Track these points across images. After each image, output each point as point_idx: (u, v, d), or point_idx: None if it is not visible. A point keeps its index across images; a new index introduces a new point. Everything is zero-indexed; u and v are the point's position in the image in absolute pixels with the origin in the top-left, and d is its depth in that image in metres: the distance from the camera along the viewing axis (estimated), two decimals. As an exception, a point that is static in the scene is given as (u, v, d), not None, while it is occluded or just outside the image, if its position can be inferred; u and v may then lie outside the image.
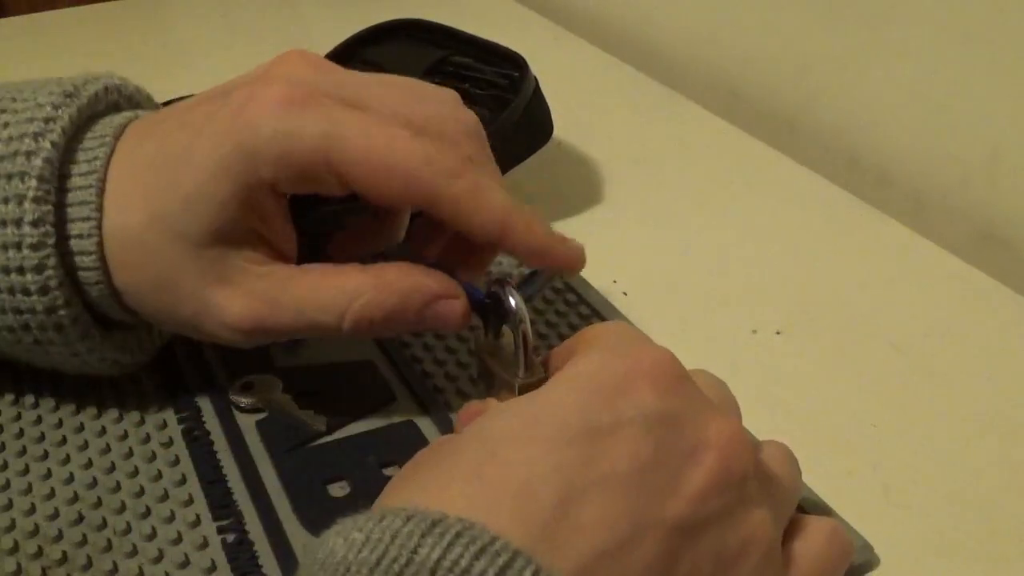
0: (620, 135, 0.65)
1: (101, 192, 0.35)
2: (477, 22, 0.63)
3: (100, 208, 0.35)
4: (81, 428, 0.39)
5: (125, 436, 0.38)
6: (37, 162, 0.35)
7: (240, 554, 0.34)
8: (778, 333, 0.47)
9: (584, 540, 0.25)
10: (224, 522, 0.35)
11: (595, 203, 0.57)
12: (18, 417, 0.39)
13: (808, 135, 0.69)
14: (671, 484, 0.26)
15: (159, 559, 0.33)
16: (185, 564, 0.33)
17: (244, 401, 0.40)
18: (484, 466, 0.26)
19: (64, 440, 0.38)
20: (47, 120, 0.36)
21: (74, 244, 0.35)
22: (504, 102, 0.55)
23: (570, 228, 0.54)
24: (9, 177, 0.35)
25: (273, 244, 0.36)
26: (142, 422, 0.39)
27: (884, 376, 0.44)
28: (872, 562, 0.35)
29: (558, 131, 0.57)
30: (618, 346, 0.30)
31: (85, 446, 0.38)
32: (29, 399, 0.40)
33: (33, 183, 0.34)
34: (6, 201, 0.34)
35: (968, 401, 0.43)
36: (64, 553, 0.33)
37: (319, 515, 0.35)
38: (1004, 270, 0.52)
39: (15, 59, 0.77)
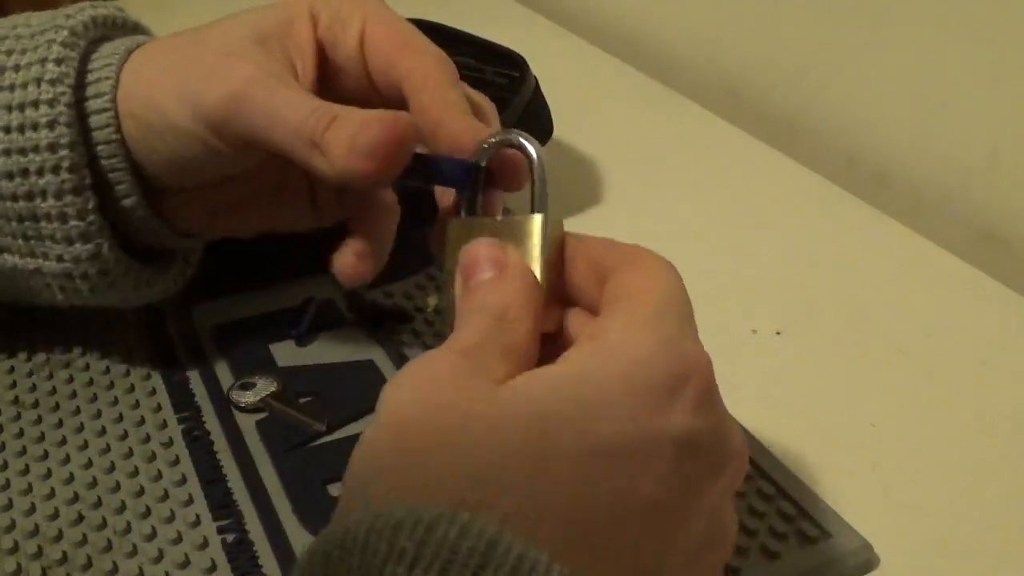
0: (620, 135, 0.65)
1: (130, 51, 0.37)
2: (477, 22, 0.63)
3: (125, 59, 0.37)
4: (81, 428, 0.39)
5: (125, 436, 0.38)
6: (73, 21, 0.36)
7: (240, 554, 0.34)
8: (778, 333, 0.47)
9: (618, 568, 0.24)
10: (224, 522, 0.35)
11: (595, 203, 0.57)
12: (18, 417, 0.39)
13: (808, 135, 0.69)
14: (689, 504, 0.26)
15: (159, 559, 0.33)
16: (185, 564, 0.33)
17: (244, 401, 0.40)
18: (536, 477, 0.24)
19: (64, 440, 0.38)
20: (79, 10, 0.37)
21: (90, 90, 0.36)
22: (504, 102, 0.55)
23: (570, 228, 0.54)
24: (36, 47, 0.36)
25: (302, 71, 0.36)
26: (142, 422, 0.39)
27: (884, 376, 0.44)
28: (872, 562, 0.35)
29: (558, 131, 0.57)
30: (672, 324, 0.28)
31: (85, 446, 0.38)
32: (29, 399, 0.40)
33: (65, 34, 0.36)
34: (33, 47, 0.36)
35: (968, 401, 0.43)
36: (64, 553, 0.33)
37: (319, 515, 0.35)
38: (1004, 270, 0.52)
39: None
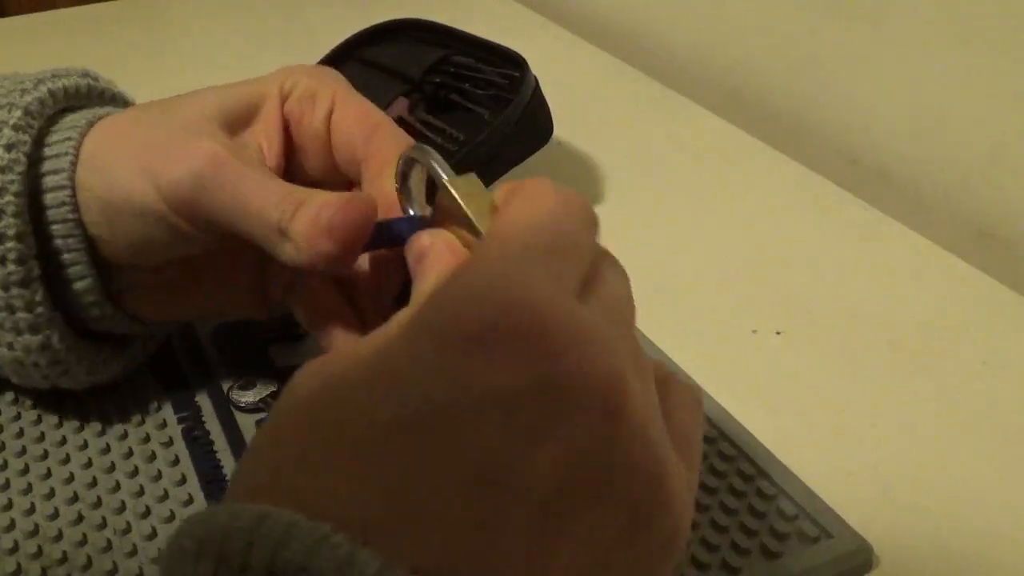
0: (620, 135, 0.65)
1: (91, 123, 0.35)
2: (477, 22, 0.63)
3: (85, 134, 0.35)
4: (81, 428, 0.39)
5: (125, 436, 0.38)
6: (28, 98, 0.35)
7: (240, 554, 0.33)
8: (778, 333, 0.47)
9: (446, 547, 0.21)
10: (224, 522, 0.35)
11: (595, 203, 0.57)
12: (18, 417, 0.39)
13: (808, 135, 0.69)
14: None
15: (159, 559, 0.33)
16: (185, 564, 0.33)
17: (244, 401, 0.40)
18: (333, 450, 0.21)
19: (64, 440, 0.38)
20: (36, 83, 0.36)
21: (47, 165, 0.35)
22: (504, 102, 0.55)
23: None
24: None
25: (268, 152, 0.36)
26: (142, 422, 0.39)
27: (884, 376, 0.44)
28: (872, 562, 0.35)
29: (558, 131, 0.57)
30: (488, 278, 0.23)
31: (85, 446, 0.38)
32: (29, 399, 0.40)
33: (18, 113, 0.34)
34: None
35: (968, 401, 0.43)
36: (64, 553, 0.33)
37: (319, 515, 0.35)
38: (1004, 269, 0.52)
39: (15, 59, 0.77)
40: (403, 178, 0.33)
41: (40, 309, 0.35)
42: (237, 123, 0.35)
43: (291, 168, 0.37)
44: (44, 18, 0.88)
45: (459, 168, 0.31)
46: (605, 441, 0.22)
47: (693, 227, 0.55)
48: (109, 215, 0.35)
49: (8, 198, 0.33)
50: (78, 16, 0.88)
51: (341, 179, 0.37)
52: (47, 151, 0.35)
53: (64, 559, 0.33)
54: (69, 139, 0.35)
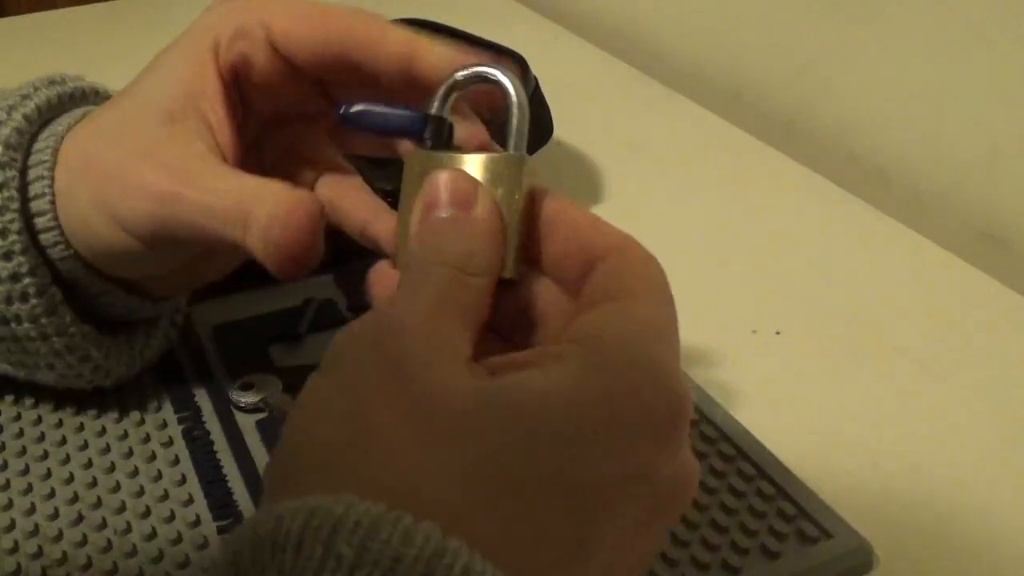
0: (620, 135, 0.65)
1: (56, 151, 0.35)
2: (477, 22, 0.63)
3: (53, 167, 0.35)
4: (81, 428, 0.39)
5: (125, 436, 0.38)
6: (5, 131, 0.35)
7: (240, 554, 0.34)
8: (778, 333, 0.47)
9: None
10: (224, 522, 0.35)
11: (595, 203, 0.57)
12: (18, 417, 0.39)
13: (808, 135, 0.69)
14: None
15: (159, 559, 0.33)
16: (185, 564, 0.33)
17: (244, 401, 0.40)
18: (501, 500, 0.23)
19: (64, 440, 0.38)
20: (24, 96, 0.36)
21: (33, 206, 0.35)
22: (504, 102, 0.55)
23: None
24: None
25: (216, 133, 0.35)
26: (142, 422, 0.39)
27: (884, 376, 0.44)
28: (872, 562, 0.35)
29: (558, 131, 0.57)
30: (666, 346, 0.26)
31: (85, 446, 0.38)
32: (29, 399, 0.40)
33: None
34: None
35: (968, 400, 0.43)
36: (64, 553, 0.33)
37: (319, 515, 0.35)
38: (1003, 269, 0.52)
39: (15, 59, 0.77)
40: (461, 80, 0.31)
41: (72, 329, 0.36)
42: (178, 114, 0.34)
43: (254, 106, 0.36)
44: (44, 18, 0.88)
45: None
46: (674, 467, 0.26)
47: (693, 227, 0.55)
48: (94, 249, 0.35)
49: (12, 237, 0.34)
50: (78, 16, 0.88)
51: (311, 91, 0.36)
52: (31, 191, 0.35)
53: (64, 559, 0.33)
54: (42, 178, 0.35)
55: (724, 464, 0.37)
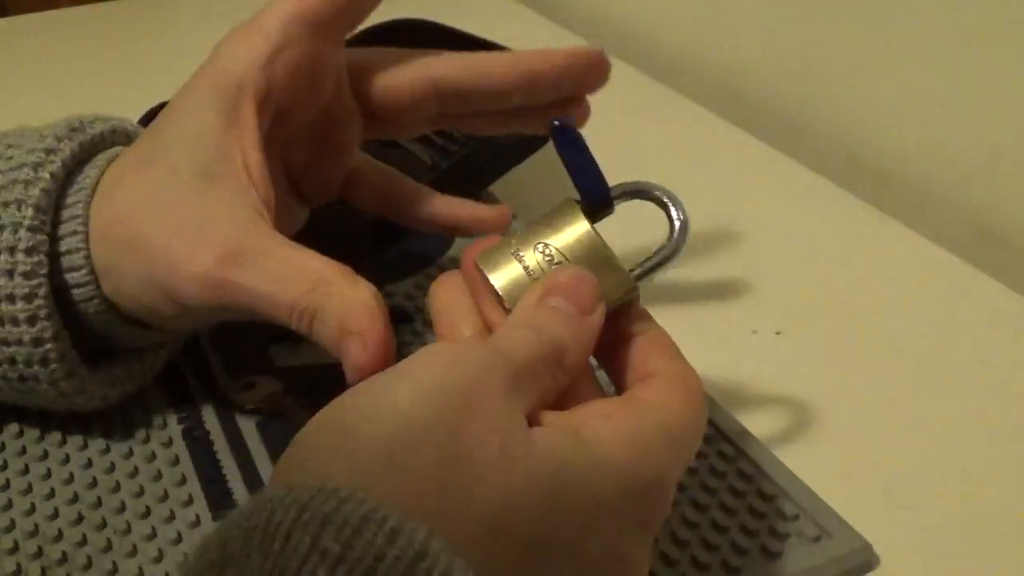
0: (620, 135, 0.65)
1: (88, 205, 0.35)
2: (477, 22, 0.63)
3: (87, 221, 0.35)
4: (81, 428, 0.39)
5: (125, 436, 0.38)
6: (35, 192, 0.34)
7: (240, 554, 0.33)
8: (778, 333, 0.47)
9: None
10: (224, 522, 0.35)
11: (595, 203, 0.57)
12: (18, 417, 0.39)
13: (808, 135, 0.69)
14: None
15: (159, 559, 0.33)
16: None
17: (244, 401, 0.40)
18: (521, 549, 0.24)
19: (64, 440, 0.38)
20: (48, 151, 0.35)
21: (65, 261, 0.35)
22: (504, 102, 0.55)
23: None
24: (6, 205, 0.34)
25: (258, 189, 0.35)
26: (142, 422, 0.39)
27: (884, 376, 0.44)
28: (872, 562, 0.35)
29: (558, 131, 0.57)
30: (676, 458, 0.28)
31: (85, 446, 0.38)
32: (29, 399, 0.40)
33: (29, 212, 0.34)
34: (2, 229, 0.34)
35: (968, 401, 0.43)
36: (64, 553, 0.33)
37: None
38: (1004, 269, 0.52)
39: (15, 59, 0.77)
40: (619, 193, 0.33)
41: (92, 385, 0.37)
42: (219, 169, 0.34)
43: (281, 157, 0.37)
44: (45, 17, 0.88)
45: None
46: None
47: (693, 227, 0.55)
48: (136, 311, 0.36)
49: (39, 302, 0.34)
50: (79, 15, 0.88)
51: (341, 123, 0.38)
52: (62, 253, 0.35)
53: (64, 559, 0.33)
54: (78, 249, 0.35)
55: (724, 464, 0.37)
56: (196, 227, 0.33)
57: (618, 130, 0.66)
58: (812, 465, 0.38)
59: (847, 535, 0.35)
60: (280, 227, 0.35)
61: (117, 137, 0.39)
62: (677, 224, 0.32)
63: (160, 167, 0.34)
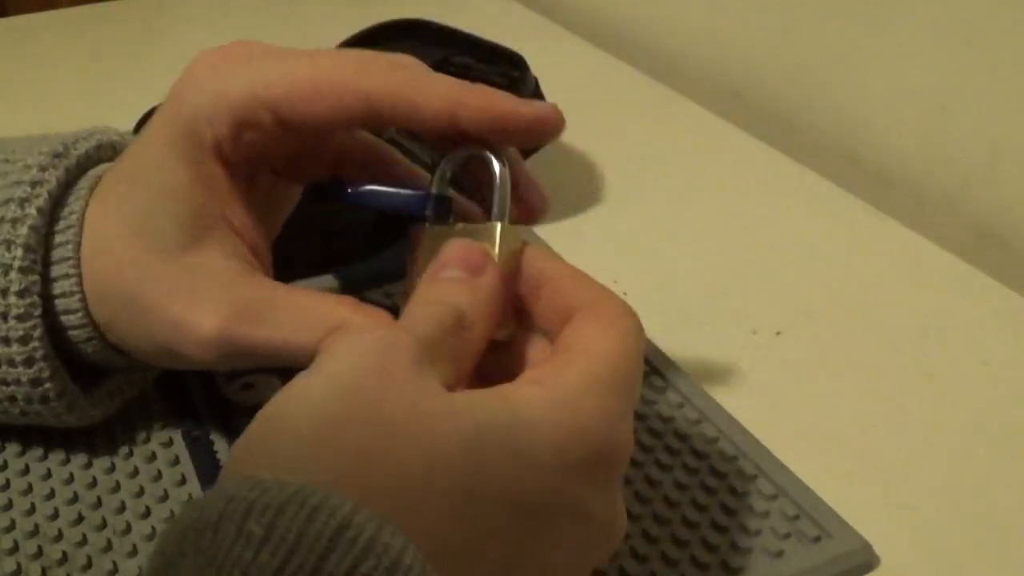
0: (620, 135, 0.65)
1: (78, 246, 0.34)
2: (477, 22, 0.63)
3: (79, 263, 0.34)
4: (81, 428, 0.39)
5: (125, 437, 0.38)
6: (23, 230, 0.34)
7: (240, 554, 0.33)
8: (778, 333, 0.47)
9: None
10: (224, 522, 0.35)
11: (595, 203, 0.57)
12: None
13: (808, 135, 0.69)
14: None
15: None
16: (185, 564, 0.33)
17: (244, 401, 0.40)
18: (449, 506, 0.24)
19: (64, 440, 0.38)
20: (34, 184, 0.34)
21: (59, 304, 0.34)
22: (504, 102, 0.55)
23: (570, 228, 0.54)
24: None
25: (244, 237, 0.34)
26: (142, 423, 0.39)
27: (884, 376, 0.44)
28: (872, 562, 0.35)
29: (558, 131, 0.57)
30: (617, 398, 0.28)
31: (85, 446, 0.38)
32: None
33: (19, 252, 0.33)
34: None
35: (968, 400, 0.43)
36: (64, 553, 0.33)
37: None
38: (1003, 269, 0.52)
39: (15, 59, 0.77)
40: (457, 158, 0.33)
41: (93, 412, 0.37)
42: (202, 227, 0.34)
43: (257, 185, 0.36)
44: (45, 18, 0.88)
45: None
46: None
47: (693, 227, 0.55)
48: (138, 357, 0.36)
49: (35, 344, 0.34)
50: (79, 16, 0.88)
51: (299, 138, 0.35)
52: (55, 289, 0.35)
53: (64, 559, 0.33)
54: (68, 276, 0.34)
55: (724, 464, 0.37)
56: (188, 291, 0.33)
57: (618, 130, 0.66)
58: (812, 465, 0.38)
59: (847, 535, 0.35)
60: (273, 211, 0.36)
61: (102, 152, 0.38)
62: (496, 168, 0.33)
63: (140, 232, 0.34)
